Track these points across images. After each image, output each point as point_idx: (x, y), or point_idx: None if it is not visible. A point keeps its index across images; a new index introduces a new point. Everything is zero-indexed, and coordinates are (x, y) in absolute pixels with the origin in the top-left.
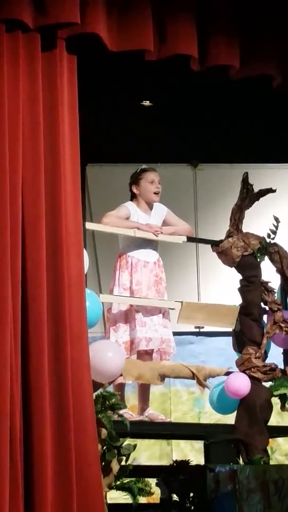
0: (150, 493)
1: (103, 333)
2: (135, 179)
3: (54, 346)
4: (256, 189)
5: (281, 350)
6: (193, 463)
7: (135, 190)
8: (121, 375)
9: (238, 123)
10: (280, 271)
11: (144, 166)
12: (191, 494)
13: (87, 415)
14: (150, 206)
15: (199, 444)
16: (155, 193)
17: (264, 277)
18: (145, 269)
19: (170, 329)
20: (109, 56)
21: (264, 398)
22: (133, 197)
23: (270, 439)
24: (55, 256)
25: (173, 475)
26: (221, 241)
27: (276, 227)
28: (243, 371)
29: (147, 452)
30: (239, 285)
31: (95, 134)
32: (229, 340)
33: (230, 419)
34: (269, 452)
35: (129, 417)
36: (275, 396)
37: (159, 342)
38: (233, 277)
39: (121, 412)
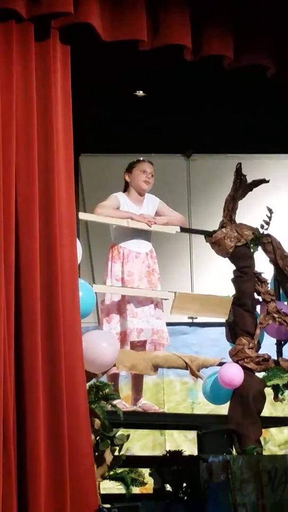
0: (143, 483)
1: (97, 324)
2: (129, 167)
3: (47, 336)
4: (249, 180)
5: (274, 340)
6: (186, 453)
7: (127, 178)
8: (114, 365)
9: (232, 113)
10: (273, 261)
11: (142, 158)
12: (184, 484)
13: (80, 405)
14: (141, 196)
15: (192, 435)
16: (144, 181)
17: (258, 267)
18: (137, 260)
19: (163, 320)
20: (103, 46)
21: (257, 388)
22: (126, 187)
23: (263, 430)
24: (48, 247)
25: (166, 465)
26: (215, 231)
27: (269, 218)
28: (236, 362)
29: (140, 443)
30: (232, 276)
31: (89, 124)
32: (222, 330)
33: (223, 409)
34: (262, 442)
35: (122, 407)
36: (268, 386)
37: (150, 333)
38: (227, 267)
39: (114, 402)
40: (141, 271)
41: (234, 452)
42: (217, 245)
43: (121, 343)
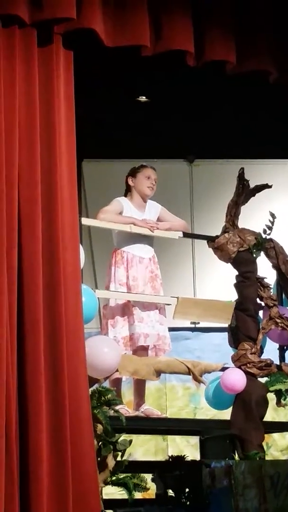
0: (145, 489)
1: (99, 329)
2: (133, 172)
3: (50, 341)
4: (252, 185)
5: (277, 345)
6: (188, 458)
7: (130, 182)
8: (117, 370)
9: (234, 118)
10: (276, 266)
11: (144, 163)
12: (187, 490)
13: (83, 410)
14: (144, 202)
15: (194, 440)
16: (148, 187)
17: (260, 272)
18: (141, 264)
19: (166, 326)
20: (105, 52)
21: (259, 393)
22: (127, 191)
23: (265, 435)
24: (51, 252)
25: (169, 470)
26: (217, 236)
27: (272, 223)
28: (239, 367)
29: (143, 448)
30: (235, 281)
31: (91, 129)
32: (225, 335)
33: (225, 414)
34: (265, 447)
35: (125, 413)
36: (271, 391)
37: (156, 338)
38: (229, 272)
39: (117, 407)
40: (145, 276)
41: (236, 457)
42: (220, 250)
43: (127, 348)
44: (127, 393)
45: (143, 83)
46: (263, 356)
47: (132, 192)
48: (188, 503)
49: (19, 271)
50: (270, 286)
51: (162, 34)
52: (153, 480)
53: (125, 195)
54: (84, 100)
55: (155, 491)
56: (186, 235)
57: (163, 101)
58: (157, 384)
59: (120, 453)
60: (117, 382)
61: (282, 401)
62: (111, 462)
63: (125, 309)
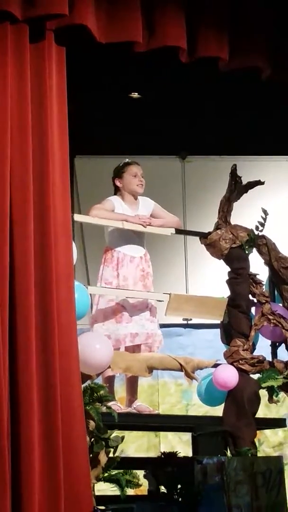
0: (138, 485)
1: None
2: (118, 172)
3: (42, 338)
4: (244, 182)
5: (269, 342)
6: (181, 455)
7: (118, 183)
8: (109, 367)
9: (227, 115)
10: (268, 263)
11: (127, 160)
12: (179, 486)
13: (75, 407)
14: (135, 199)
15: (187, 436)
16: (138, 185)
17: (252, 269)
18: (131, 264)
19: (157, 323)
20: (98, 48)
21: (252, 390)
22: (116, 191)
23: (257, 431)
24: (43, 248)
25: (161, 467)
26: (210, 233)
27: (264, 220)
28: (231, 363)
29: (135, 444)
30: (227, 277)
31: (84, 126)
32: (217, 332)
33: (218, 411)
34: (257, 444)
35: (117, 409)
36: (263, 388)
37: (145, 337)
38: (222, 269)
39: (109, 404)
40: (136, 276)
41: (228, 453)
42: (212, 247)
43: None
44: (120, 389)
45: (135, 79)
46: (256, 353)
47: (122, 192)
48: (180, 499)
49: (11, 267)
50: (263, 282)
51: (155, 30)
52: (145, 476)
53: (115, 194)
54: (76, 96)
55: (147, 487)
56: (178, 231)
57: (156, 98)
58: (150, 380)
59: (112, 450)
60: (110, 379)
61: (274, 398)
62: (103, 459)
63: (114, 311)
